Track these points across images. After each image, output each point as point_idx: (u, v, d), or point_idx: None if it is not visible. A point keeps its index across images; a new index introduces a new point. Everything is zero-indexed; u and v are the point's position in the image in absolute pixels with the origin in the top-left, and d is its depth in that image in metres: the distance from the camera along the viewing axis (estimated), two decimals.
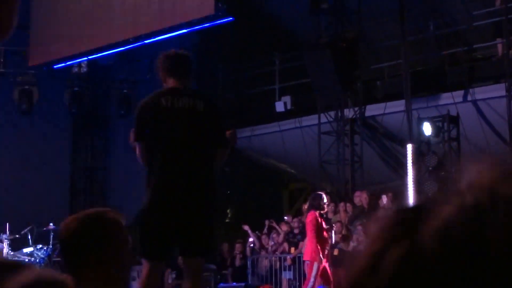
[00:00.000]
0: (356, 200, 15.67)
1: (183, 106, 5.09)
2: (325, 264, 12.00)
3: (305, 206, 13.21)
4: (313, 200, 12.22)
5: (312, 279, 11.91)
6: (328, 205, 12.26)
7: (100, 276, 2.71)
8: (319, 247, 11.82)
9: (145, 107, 5.19)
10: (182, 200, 4.95)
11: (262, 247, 16.82)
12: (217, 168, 5.23)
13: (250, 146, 19.26)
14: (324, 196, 12.16)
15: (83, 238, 2.72)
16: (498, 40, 15.75)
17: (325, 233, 11.94)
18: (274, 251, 16.41)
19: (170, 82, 5.27)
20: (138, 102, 5.41)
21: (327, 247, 12.06)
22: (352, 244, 14.73)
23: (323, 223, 11.97)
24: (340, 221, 15.31)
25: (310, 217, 12.27)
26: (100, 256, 2.72)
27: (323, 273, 11.95)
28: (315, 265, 11.92)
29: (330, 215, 16.21)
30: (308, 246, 12.19)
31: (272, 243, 16.70)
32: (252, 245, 16.77)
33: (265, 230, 17.02)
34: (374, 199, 15.79)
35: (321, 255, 11.79)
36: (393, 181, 17.96)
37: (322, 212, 12.06)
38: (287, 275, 15.91)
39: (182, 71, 5.31)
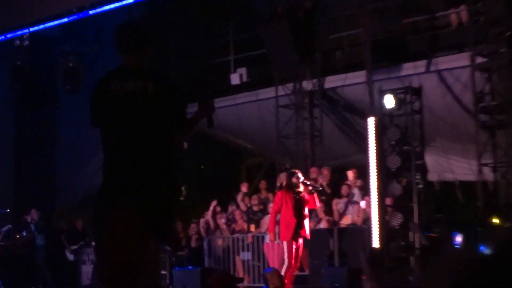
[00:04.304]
0: (312, 176, 15.52)
1: (132, 90, 4.88)
2: (299, 244, 11.88)
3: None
4: (287, 178, 12.14)
5: (286, 261, 11.79)
6: (299, 183, 12.05)
7: None
8: (285, 227, 11.73)
9: (95, 92, 5.01)
10: (132, 190, 4.78)
11: (217, 226, 16.61)
12: (176, 151, 5.06)
13: (204, 121, 18.97)
14: (298, 174, 12.01)
15: None
16: (456, 9, 15.69)
17: (293, 212, 11.78)
18: (232, 231, 16.22)
19: (122, 60, 5.08)
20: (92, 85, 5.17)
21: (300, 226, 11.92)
22: (312, 220, 14.65)
23: (293, 201, 11.80)
24: None
25: (275, 197, 12.21)
26: None
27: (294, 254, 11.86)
28: (285, 244, 11.84)
29: None
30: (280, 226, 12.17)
31: (224, 220, 16.43)
32: (223, 222, 16.45)
33: (210, 214, 16.71)
34: (336, 175, 15.74)
35: (289, 234, 11.71)
36: (354, 156, 17.90)
37: (297, 190, 11.92)
38: (245, 256, 15.74)
39: (129, 46, 5.03)
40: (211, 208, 16.68)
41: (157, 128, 4.89)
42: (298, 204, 11.88)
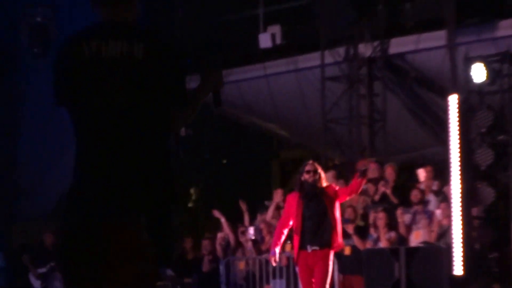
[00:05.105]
0: (372, 176, 15.53)
1: (113, 53, 4.86)
2: (305, 262, 11.81)
3: None
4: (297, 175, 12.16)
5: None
6: (312, 178, 11.83)
7: None
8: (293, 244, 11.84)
9: (61, 57, 4.98)
10: (116, 191, 4.82)
11: (238, 244, 16.72)
12: (171, 136, 5.09)
13: (224, 98, 19.08)
14: (309, 166, 11.80)
15: None
16: None
17: (296, 223, 11.78)
18: (259, 251, 16.31)
19: (101, 15, 5.02)
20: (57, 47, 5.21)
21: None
22: (370, 239, 14.71)
23: (300, 207, 11.78)
24: (352, 206, 15.24)
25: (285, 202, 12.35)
26: None
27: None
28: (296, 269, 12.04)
29: None
30: None
31: (251, 235, 16.53)
32: (251, 236, 16.57)
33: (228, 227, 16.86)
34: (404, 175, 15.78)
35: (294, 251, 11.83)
36: (429, 148, 17.96)
37: (314, 189, 11.83)
38: (276, 285, 15.84)
39: None
40: (222, 219, 16.77)
41: (147, 106, 4.89)
42: (313, 209, 11.73)
